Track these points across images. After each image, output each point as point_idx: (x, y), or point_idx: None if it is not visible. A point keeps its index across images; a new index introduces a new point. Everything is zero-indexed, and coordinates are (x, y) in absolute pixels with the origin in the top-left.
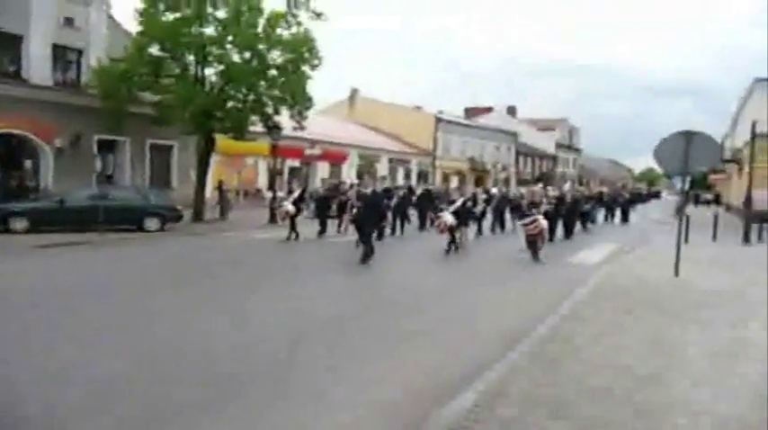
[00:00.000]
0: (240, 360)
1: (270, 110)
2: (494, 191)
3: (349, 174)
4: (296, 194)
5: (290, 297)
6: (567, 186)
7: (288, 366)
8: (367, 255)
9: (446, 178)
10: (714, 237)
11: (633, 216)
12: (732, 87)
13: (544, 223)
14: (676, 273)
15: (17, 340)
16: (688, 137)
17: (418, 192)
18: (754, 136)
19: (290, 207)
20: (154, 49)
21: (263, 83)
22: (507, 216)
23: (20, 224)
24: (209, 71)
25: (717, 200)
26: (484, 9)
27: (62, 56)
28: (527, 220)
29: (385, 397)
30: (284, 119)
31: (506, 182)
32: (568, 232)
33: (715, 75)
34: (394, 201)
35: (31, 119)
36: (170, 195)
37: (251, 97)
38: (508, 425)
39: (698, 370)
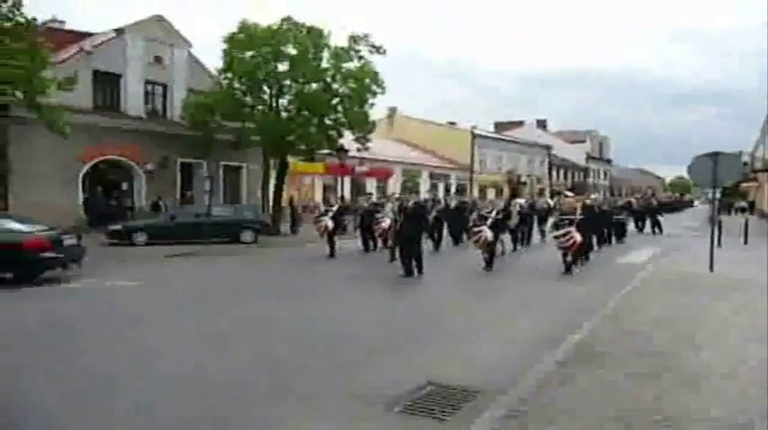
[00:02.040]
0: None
1: (334, 134)
2: (521, 202)
3: (394, 188)
4: (334, 209)
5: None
6: (595, 196)
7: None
8: (418, 269)
9: (483, 191)
10: (745, 241)
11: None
12: (761, 91)
13: (578, 236)
14: (711, 268)
15: (198, 317)
16: (714, 156)
17: (452, 204)
18: None
19: (329, 222)
20: (236, 84)
21: (331, 111)
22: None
23: (141, 238)
24: (283, 101)
25: (752, 207)
26: (501, 25)
27: (151, 90)
28: (559, 232)
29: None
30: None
31: (541, 193)
32: (600, 242)
33: (741, 80)
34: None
35: (127, 146)
36: (258, 211)
37: (320, 123)
38: (613, 336)
39: (721, 316)
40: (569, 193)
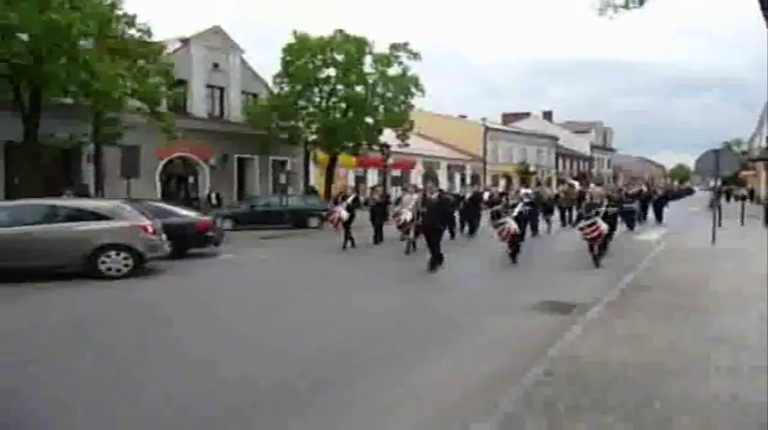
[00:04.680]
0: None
1: (376, 132)
2: (527, 191)
3: (416, 179)
4: (349, 200)
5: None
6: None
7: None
8: (436, 262)
9: (495, 180)
10: (742, 222)
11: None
12: (761, 79)
13: (604, 227)
14: (713, 242)
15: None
16: (716, 152)
17: (467, 196)
18: None
19: (343, 212)
20: (290, 88)
21: (374, 111)
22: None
23: (228, 224)
24: (332, 102)
25: (751, 195)
26: (499, 16)
27: (211, 93)
28: (584, 224)
29: (598, 280)
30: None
31: (548, 182)
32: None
33: (743, 69)
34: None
35: (193, 144)
36: (322, 200)
37: (365, 122)
38: (651, 280)
39: (723, 274)
40: (573, 182)
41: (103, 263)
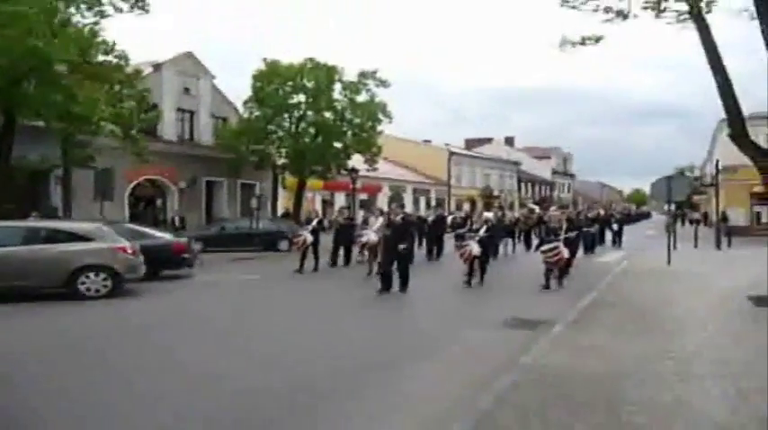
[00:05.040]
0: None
1: (344, 156)
2: (488, 215)
3: (382, 203)
4: (314, 223)
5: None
6: (570, 209)
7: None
8: (403, 285)
9: (459, 204)
10: (695, 245)
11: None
12: (713, 111)
13: (565, 252)
14: (669, 263)
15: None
16: (669, 178)
17: (430, 218)
18: (717, 171)
19: (308, 236)
20: (260, 113)
21: (343, 137)
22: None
23: (197, 246)
24: (302, 128)
25: (704, 219)
26: (466, 46)
27: (181, 117)
28: (545, 247)
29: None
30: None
31: (511, 206)
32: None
33: (697, 100)
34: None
35: (162, 166)
36: (292, 224)
37: (334, 148)
38: (613, 297)
39: (680, 290)
40: (534, 206)
41: (83, 283)
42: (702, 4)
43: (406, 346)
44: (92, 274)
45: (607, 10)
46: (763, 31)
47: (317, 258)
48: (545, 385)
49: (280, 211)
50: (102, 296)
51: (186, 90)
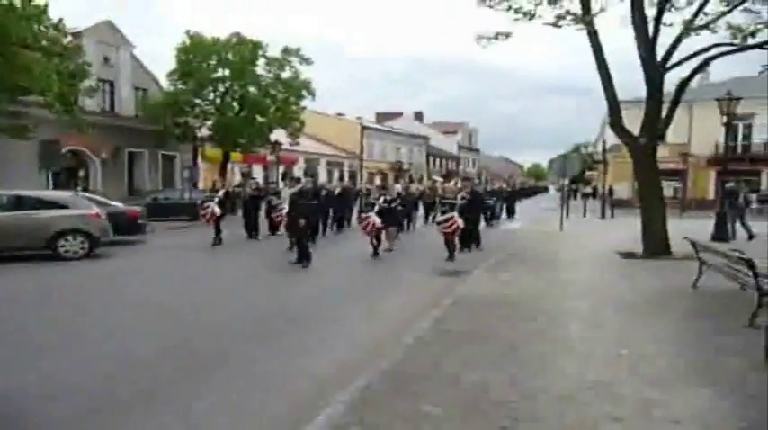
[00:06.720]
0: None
1: (268, 131)
2: (398, 187)
3: (299, 174)
4: (220, 194)
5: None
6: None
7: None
8: (306, 258)
9: (371, 177)
10: (584, 215)
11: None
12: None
13: (460, 221)
14: (561, 228)
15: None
16: (564, 157)
17: (336, 191)
18: (605, 150)
19: (216, 208)
20: (184, 86)
21: (267, 112)
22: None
23: None
24: (227, 102)
25: (594, 193)
26: (382, 13)
27: (102, 87)
28: (441, 219)
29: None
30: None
31: (421, 179)
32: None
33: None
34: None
35: (85, 137)
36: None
37: (258, 122)
38: (523, 251)
39: (568, 248)
40: (438, 178)
41: (62, 246)
42: (591, 16)
43: (375, 283)
44: (70, 238)
45: (516, 11)
46: (635, 38)
47: (218, 230)
48: (476, 302)
49: (201, 184)
50: (81, 257)
51: (106, 60)
